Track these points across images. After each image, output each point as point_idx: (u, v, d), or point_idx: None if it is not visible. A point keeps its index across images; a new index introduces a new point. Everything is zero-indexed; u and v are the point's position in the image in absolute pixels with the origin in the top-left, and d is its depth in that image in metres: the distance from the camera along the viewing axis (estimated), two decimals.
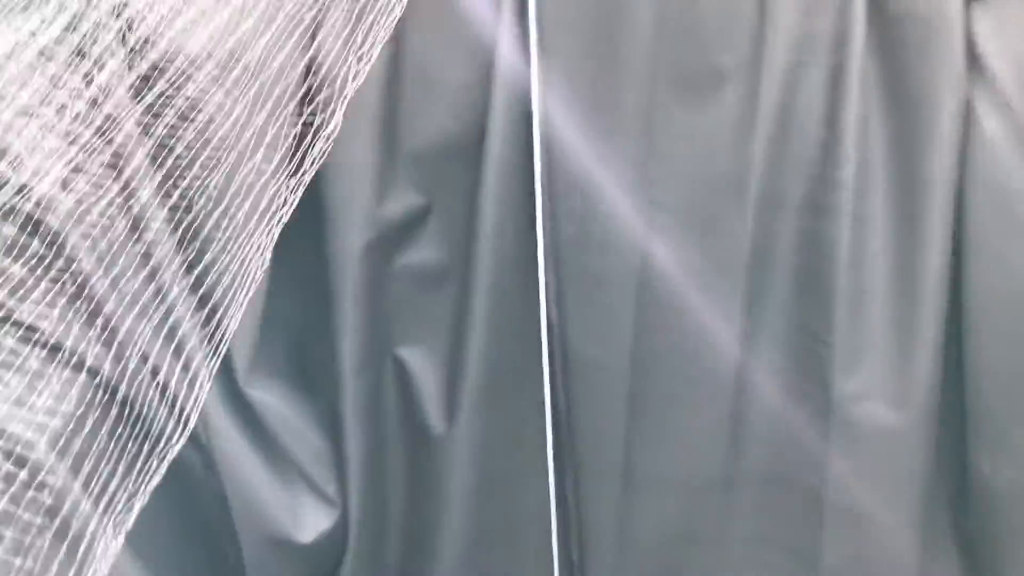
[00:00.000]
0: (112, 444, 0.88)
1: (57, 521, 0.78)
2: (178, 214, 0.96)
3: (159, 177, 0.95)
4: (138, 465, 0.88)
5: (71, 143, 0.99)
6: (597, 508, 1.72)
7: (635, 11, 1.50)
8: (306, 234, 1.50)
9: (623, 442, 1.69)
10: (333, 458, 1.67)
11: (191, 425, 1.01)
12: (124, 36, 0.97)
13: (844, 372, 1.58)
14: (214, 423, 1.50)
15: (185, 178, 0.94)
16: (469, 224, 1.59)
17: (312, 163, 1.02)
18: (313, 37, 1.13)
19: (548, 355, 1.62)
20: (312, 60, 1.07)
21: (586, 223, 1.59)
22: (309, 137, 1.02)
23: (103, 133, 0.97)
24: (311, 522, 1.64)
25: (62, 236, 0.88)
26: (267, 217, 1.01)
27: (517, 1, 1.49)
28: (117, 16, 0.96)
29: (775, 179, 1.54)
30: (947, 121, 1.46)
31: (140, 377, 0.94)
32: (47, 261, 0.90)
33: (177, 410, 0.98)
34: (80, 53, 0.94)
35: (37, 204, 0.85)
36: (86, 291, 0.86)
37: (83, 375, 0.86)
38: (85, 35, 1.02)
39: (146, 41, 0.98)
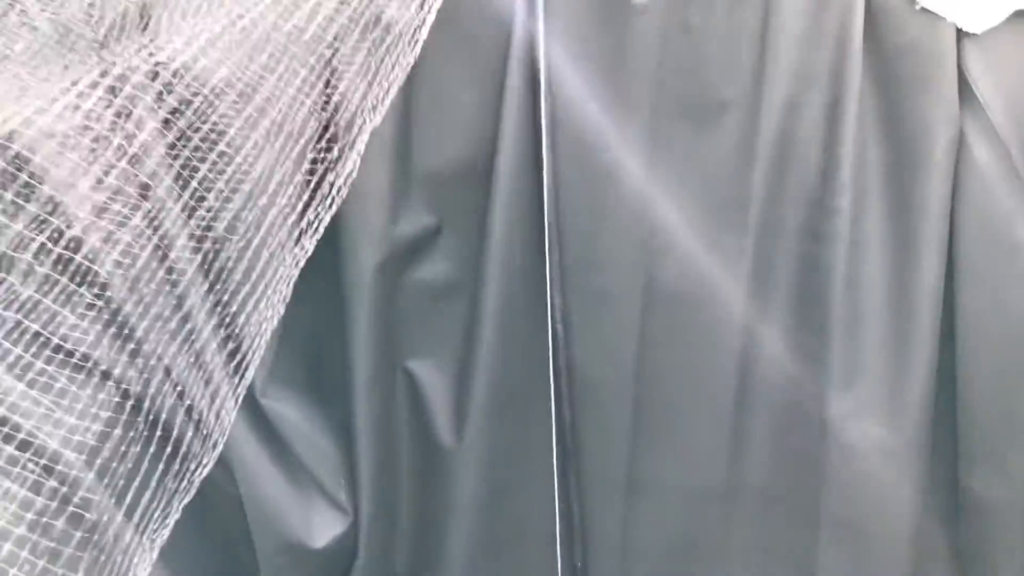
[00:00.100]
0: (145, 464, 0.93)
1: (96, 535, 0.83)
2: (204, 248, 1.01)
3: (187, 214, 0.99)
4: (170, 484, 0.93)
5: (104, 175, 1.05)
6: (601, 517, 1.75)
7: (640, 44, 1.53)
8: (322, 252, 1.53)
9: (627, 454, 1.72)
10: (345, 467, 1.70)
11: (219, 448, 1.05)
12: (154, 77, 1.02)
13: (840, 391, 1.61)
14: (231, 432, 1.53)
15: (211, 212, 0.98)
16: (479, 243, 1.63)
17: (331, 202, 1.06)
18: (330, 79, 1.17)
19: (554, 370, 1.65)
20: (329, 102, 1.11)
21: (592, 244, 1.63)
22: (329, 176, 1.07)
23: (133, 167, 1.03)
24: (323, 528, 1.68)
25: (98, 271, 0.93)
26: (289, 251, 1.05)
27: (526, 31, 1.52)
28: (147, 55, 1.01)
29: (774, 205, 1.58)
30: (940, 150, 1.50)
31: (170, 402, 0.99)
32: (83, 289, 0.96)
33: (205, 433, 1.02)
34: (113, 92, 0.99)
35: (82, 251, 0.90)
36: (121, 320, 0.91)
37: (118, 398, 0.91)
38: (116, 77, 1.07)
39: (173, 80, 1.02)
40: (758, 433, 1.69)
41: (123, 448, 0.89)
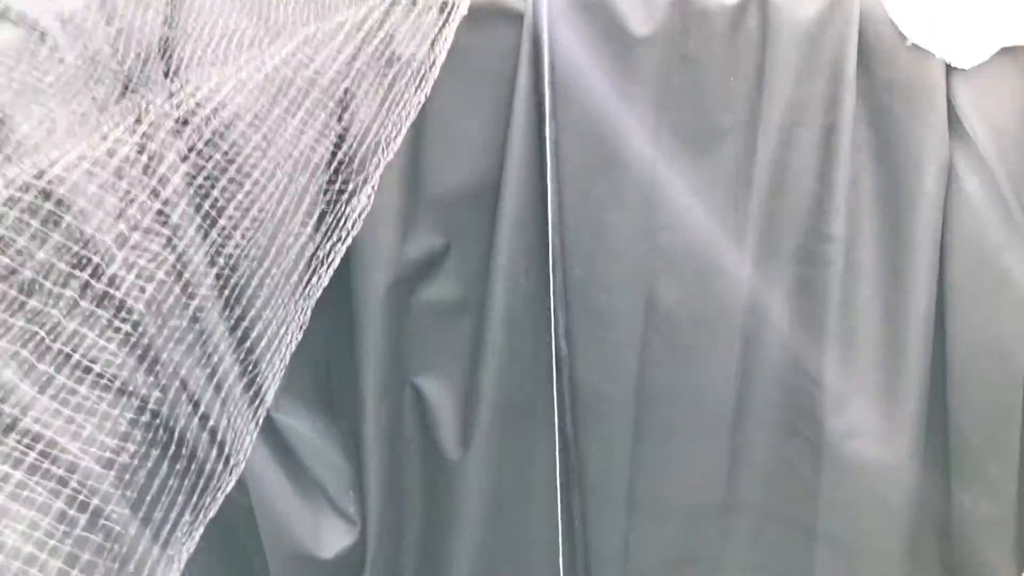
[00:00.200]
0: (167, 483, 0.98)
1: (122, 549, 0.88)
2: (224, 276, 1.05)
3: (214, 250, 1.04)
4: (191, 501, 0.97)
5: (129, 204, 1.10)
6: (602, 531, 1.78)
7: (641, 74, 1.56)
8: (334, 272, 1.57)
9: (627, 469, 1.75)
10: (354, 480, 1.74)
11: (240, 467, 1.09)
12: (183, 123, 1.06)
13: (835, 410, 1.63)
14: None
15: (236, 247, 1.03)
16: (485, 264, 1.66)
17: (346, 234, 1.10)
18: (345, 109, 1.21)
19: (557, 387, 1.67)
20: (345, 138, 1.15)
21: (594, 265, 1.66)
22: (345, 208, 1.11)
23: (157, 198, 1.08)
24: (332, 539, 1.71)
25: (124, 297, 0.98)
26: (306, 279, 1.10)
27: (532, 61, 1.56)
28: (176, 104, 1.06)
29: (771, 229, 1.61)
30: (931, 179, 1.52)
31: (192, 422, 1.03)
32: (110, 315, 1.01)
33: (226, 453, 1.06)
34: (145, 139, 1.04)
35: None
36: (145, 343, 0.95)
37: (142, 417, 0.95)
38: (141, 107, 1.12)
39: (203, 128, 1.07)
40: (755, 451, 1.71)
41: (146, 465, 0.93)
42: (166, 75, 1.35)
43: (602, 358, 1.69)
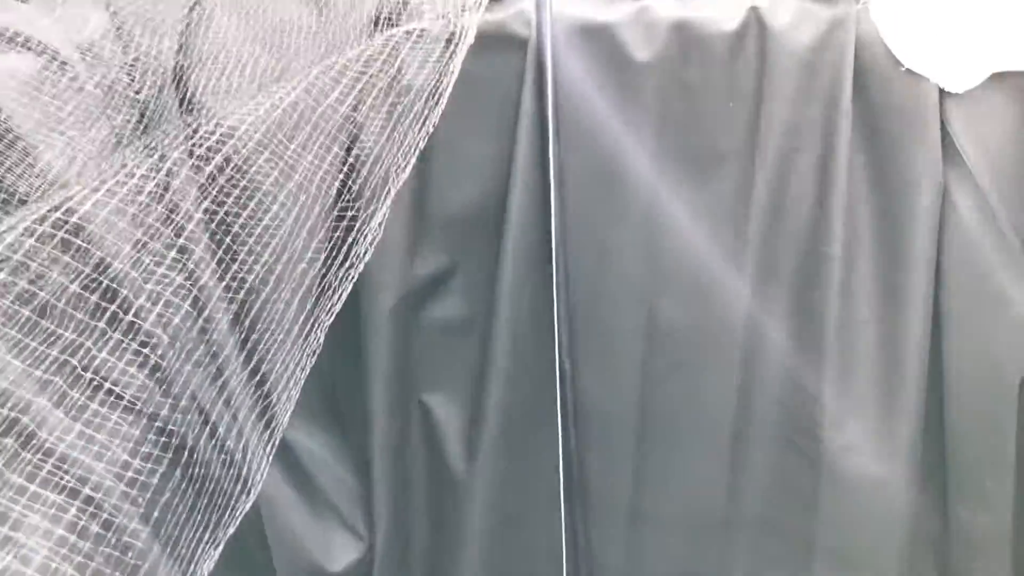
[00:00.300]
0: (184, 502, 1.01)
1: (143, 565, 0.91)
2: (238, 302, 1.08)
3: (222, 269, 1.07)
4: (210, 523, 1.00)
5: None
6: (605, 544, 1.79)
7: (642, 99, 1.60)
8: None
9: (630, 484, 1.76)
10: (362, 495, 1.76)
11: (256, 489, 1.12)
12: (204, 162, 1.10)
13: (833, 426, 1.65)
14: None
15: (244, 268, 1.06)
16: (490, 283, 1.68)
17: (358, 258, 1.13)
18: (356, 139, 1.25)
19: (561, 403, 1.68)
20: (356, 165, 1.18)
21: (597, 284, 1.68)
22: (357, 233, 1.14)
23: (174, 226, 1.11)
24: (341, 553, 1.74)
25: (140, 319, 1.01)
26: (319, 305, 1.13)
27: (536, 86, 1.59)
28: (196, 143, 1.09)
29: (770, 250, 1.63)
30: (926, 201, 1.55)
31: (208, 446, 1.06)
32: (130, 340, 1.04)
33: (242, 477, 1.09)
34: (167, 177, 1.07)
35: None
36: (163, 368, 0.99)
37: (163, 440, 0.99)
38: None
39: (223, 165, 1.11)
40: (755, 466, 1.73)
41: (166, 488, 0.96)
42: (180, 103, 1.39)
43: (605, 375, 1.71)
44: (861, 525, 1.68)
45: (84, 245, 0.98)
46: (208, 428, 1.09)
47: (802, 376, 1.66)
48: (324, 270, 1.17)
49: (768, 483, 1.73)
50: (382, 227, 1.23)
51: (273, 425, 1.15)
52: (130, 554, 0.92)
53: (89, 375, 0.96)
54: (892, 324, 1.61)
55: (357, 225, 1.18)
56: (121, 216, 1.03)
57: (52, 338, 0.95)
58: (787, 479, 1.71)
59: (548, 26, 1.57)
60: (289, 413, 1.18)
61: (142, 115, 1.36)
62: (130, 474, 0.94)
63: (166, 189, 1.16)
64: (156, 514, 0.98)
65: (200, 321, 1.08)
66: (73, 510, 0.92)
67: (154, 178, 1.07)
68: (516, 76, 1.60)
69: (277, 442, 1.20)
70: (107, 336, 0.97)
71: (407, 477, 1.79)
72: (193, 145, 1.10)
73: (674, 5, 1.59)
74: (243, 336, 1.14)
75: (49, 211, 0.96)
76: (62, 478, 0.92)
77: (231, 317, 1.14)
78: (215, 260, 1.08)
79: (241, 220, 1.05)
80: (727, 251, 1.63)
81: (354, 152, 1.23)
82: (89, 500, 0.92)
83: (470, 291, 1.71)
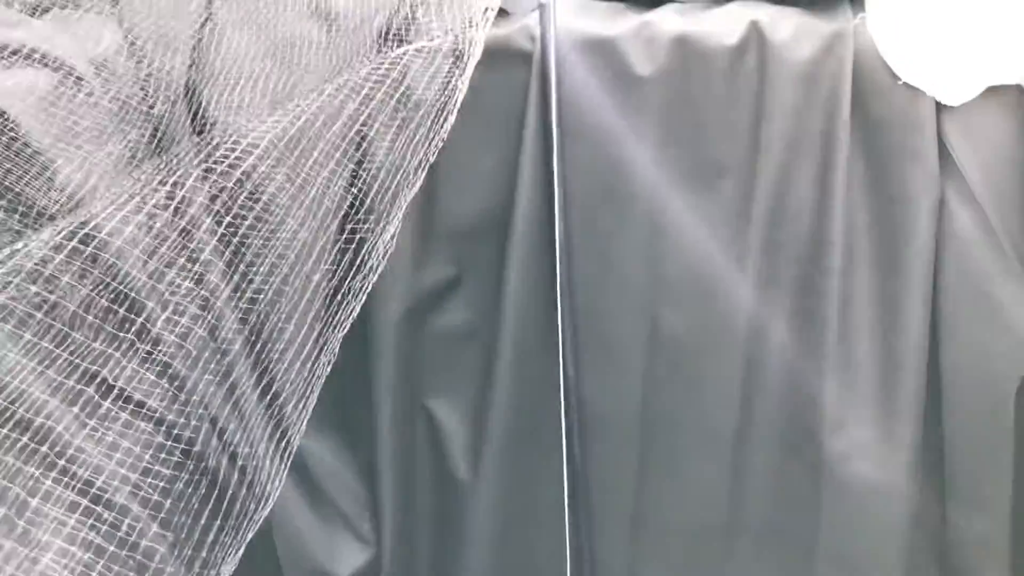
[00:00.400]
0: (201, 513, 1.03)
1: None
2: (251, 316, 1.10)
3: (235, 282, 1.09)
4: (223, 534, 1.02)
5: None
6: (609, 550, 1.80)
7: (645, 112, 1.62)
8: None
9: (633, 490, 1.78)
10: (368, 501, 1.79)
11: (271, 501, 1.14)
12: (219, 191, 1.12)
13: (834, 433, 1.67)
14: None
15: (258, 280, 1.08)
16: (495, 293, 1.71)
17: (370, 270, 1.16)
18: (367, 154, 1.27)
19: (565, 409, 1.70)
20: (366, 179, 1.21)
21: (600, 293, 1.70)
22: (368, 245, 1.16)
23: (188, 240, 1.14)
24: (348, 558, 1.76)
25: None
26: (331, 319, 1.15)
27: (541, 100, 1.62)
28: (211, 166, 1.12)
29: (770, 260, 1.65)
30: (923, 213, 1.57)
31: (223, 458, 1.09)
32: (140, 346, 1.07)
33: (255, 489, 1.11)
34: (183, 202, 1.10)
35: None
36: (177, 381, 1.01)
37: (177, 454, 1.01)
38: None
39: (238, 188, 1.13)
40: (757, 472, 1.74)
41: (181, 499, 0.98)
42: (193, 118, 1.42)
43: (608, 383, 1.73)
44: (862, 530, 1.69)
45: (111, 259, 1.00)
46: (224, 440, 1.11)
47: (803, 383, 1.68)
48: (339, 283, 1.19)
49: (770, 489, 1.74)
50: (394, 240, 1.25)
51: (289, 435, 1.18)
52: (150, 565, 0.95)
53: (110, 385, 0.98)
54: (891, 332, 1.63)
55: (371, 238, 1.20)
56: (146, 232, 1.06)
57: (77, 350, 0.98)
58: (789, 485, 1.73)
59: (552, 41, 1.59)
60: (304, 423, 1.21)
61: (156, 130, 1.39)
62: (149, 482, 0.96)
63: (188, 204, 1.19)
64: (175, 525, 1.00)
65: (218, 334, 1.11)
66: (91, 520, 0.94)
67: (177, 194, 1.10)
68: (521, 89, 1.63)
69: (293, 452, 1.22)
70: (134, 349, 1.00)
71: (413, 483, 1.81)
72: (214, 162, 1.12)
73: (676, 20, 1.61)
74: (259, 348, 1.17)
75: (78, 227, 0.99)
76: (83, 488, 0.95)
77: (248, 330, 1.16)
78: (234, 274, 1.11)
79: (261, 234, 1.07)
80: (729, 260, 1.65)
81: (365, 167, 1.26)
82: (107, 509, 0.94)
83: (475, 300, 1.73)
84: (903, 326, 1.61)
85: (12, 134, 1.22)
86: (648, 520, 1.79)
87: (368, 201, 1.24)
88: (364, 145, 1.26)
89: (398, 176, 1.20)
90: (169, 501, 1.00)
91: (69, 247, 0.99)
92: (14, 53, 1.35)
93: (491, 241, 1.69)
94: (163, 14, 1.52)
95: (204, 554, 1.02)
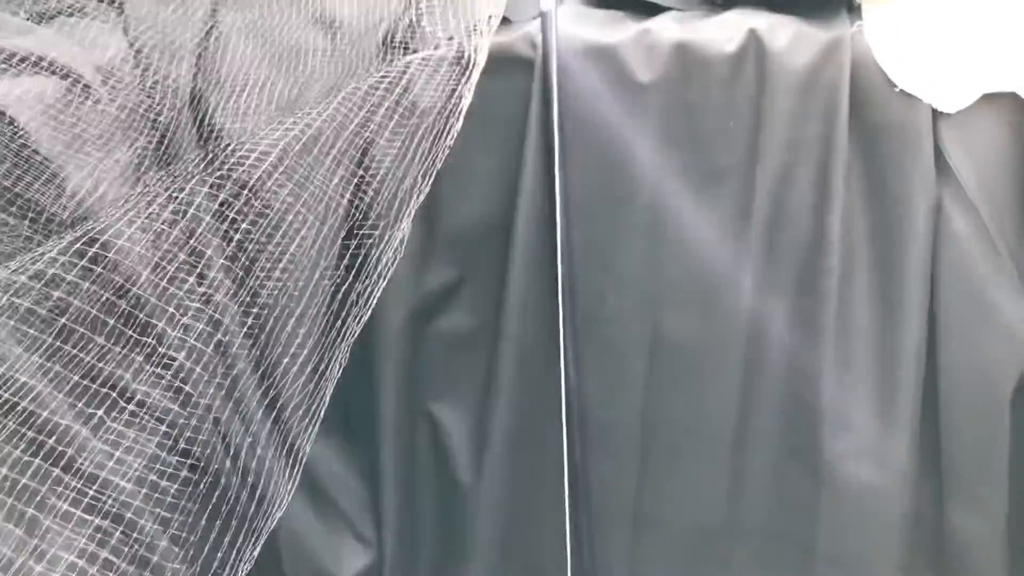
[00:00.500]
0: (212, 524, 1.04)
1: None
2: (257, 324, 1.11)
3: (243, 290, 1.10)
4: (231, 543, 1.03)
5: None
6: (609, 553, 1.81)
7: (645, 117, 1.64)
8: None
9: (634, 493, 1.79)
10: (371, 503, 1.80)
11: (279, 513, 1.15)
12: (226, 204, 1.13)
13: (833, 435, 1.68)
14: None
15: (265, 288, 1.09)
16: (498, 296, 1.72)
17: (378, 276, 1.17)
18: (372, 160, 1.29)
19: (566, 413, 1.71)
20: (372, 185, 1.22)
21: (601, 298, 1.71)
22: (376, 252, 1.18)
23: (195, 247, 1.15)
24: (350, 560, 1.77)
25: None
26: (339, 326, 1.16)
27: (542, 104, 1.63)
28: (220, 177, 1.13)
29: (770, 263, 1.66)
30: (920, 217, 1.58)
31: (228, 468, 1.10)
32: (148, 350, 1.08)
33: (264, 505, 1.12)
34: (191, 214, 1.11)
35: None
36: (186, 391, 1.02)
37: (184, 466, 1.02)
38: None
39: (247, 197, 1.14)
40: (757, 474, 1.75)
41: (188, 507, 0.99)
42: (199, 126, 1.43)
43: (609, 386, 1.74)
44: (860, 531, 1.71)
45: (122, 270, 1.01)
46: (231, 452, 1.12)
47: (802, 385, 1.69)
48: (349, 290, 1.21)
49: (769, 490, 1.75)
50: (403, 246, 1.27)
51: (298, 448, 1.19)
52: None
53: (118, 397, 0.99)
54: (889, 335, 1.64)
55: (380, 245, 1.22)
56: (162, 241, 1.08)
57: (91, 359, 0.99)
58: (788, 486, 1.74)
59: (553, 48, 1.61)
60: (314, 435, 1.22)
61: (163, 137, 1.40)
62: (157, 498, 0.98)
63: (180, 202, 1.20)
64: (185, 536, 1.01)
65: (229, 342, 1.12)
66: (102, 529, 0.95)
67: (191, 204, 1.11)
68: (523, 96, 1.64)
69: (303, 462, 1.23)
70: (149, 359, 1.01)
71: (415, 485, 1.82)
72: (224, 173, 1.14)
73: (675, 27, 1.63)
74: (270, 360, 1.18)
75: (94, 236, 1.00)
76: (95, 500, 0.96)
77: (260, 341, 1.17)
78: (249, 281, 1.12)
79: (274, 242, 1.08)
80: (729, 264, 1.66)
81: (372, 174, 1.27)
82: (118, 520, 0.95)
83: (477, 304, 1.75)
84: (901, 328, 1.63)
85: (22, 141, 1.23)
86: (648, 522, 1.80)
87: (377, 209, 1.25)
88: (371, 154, 1.28)
89: (406, 184, 1.21)
90: (179, 516, 1.01)
91: (85, 257, 1.00)
92: (22, 61, 1.36)
93: (493, 245, 1.71)
94: (168, 23, 1.53)
95: (216, 562, 1.03)
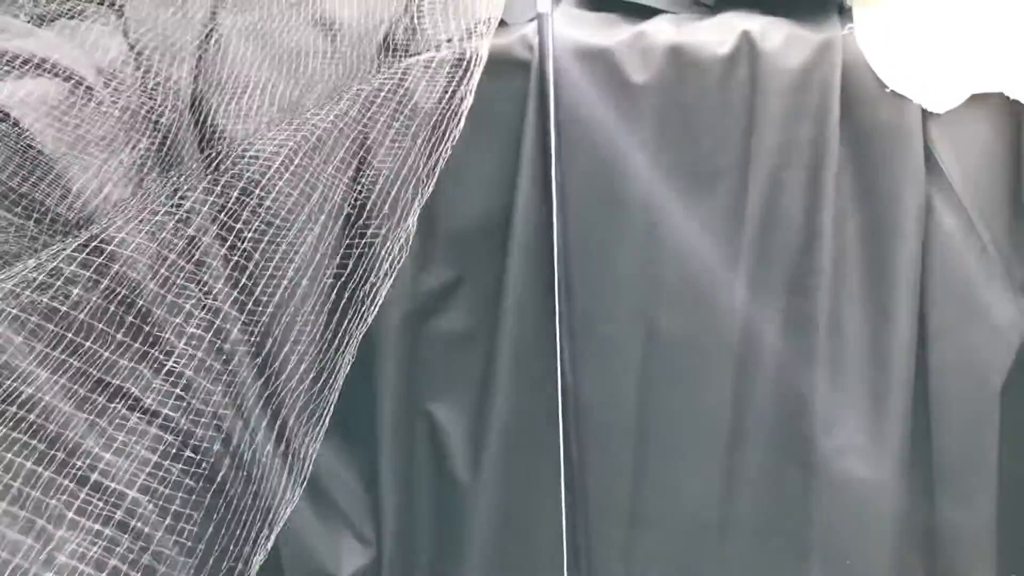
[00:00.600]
0: (220, 524, 1.05)
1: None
2: (258, 327, 1.12)
3: (255, 296, 1.11)
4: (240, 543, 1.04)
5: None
6: (606, 550, 1.83)
7: (640, 118, 1.65)
8: None
9: (629, 490, 1.80)
10: (369, 502, 1.81)
11: (283, 520, 1.15)
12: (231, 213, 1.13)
13: (825, 431, 1.70)
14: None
15: (269, 290, 1.10)
16: (495, 296, 1.73)
17: (385, 274, 1.18)
18: (375, 161, 1.30)
19: (563, 411, 1.72)
20: (374, 187, 1.24)
21: (598, 296, 1.73)
22: (381, 251, 1.19)
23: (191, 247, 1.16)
24: (349, 558, 1.78)
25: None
26: (351, 323, 1.17)
27: (539, 105, 1.65)
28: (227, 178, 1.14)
29: (763, 263, 1.68)
30: (910, 216, 1.60)
31: (232, 474, 1.11)
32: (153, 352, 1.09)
33: (268, 516, 1.13)
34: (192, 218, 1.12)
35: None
36: (191, 394, 1.03)
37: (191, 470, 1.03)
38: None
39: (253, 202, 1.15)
40: (750, 471, 1.77)
41: (191, 513, 1.00)
42: (199, 126, 1.45)
43: (605, 384, 1.76)
44: (853, 527, 1.73)
45: (128, 274, 1.02)
46: (237, 453, 1.13)
47: (794, 383, 1.71)
48: (353, 291, 1.22)
49: (762, 487, 1.77)
50: (408, 246, 1.28)
51: (303, 451, 1.20)
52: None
53: (131, 403, 1.00)
54: (880, 333, 1.66)
55: (384, 246, 1.23)
56: (169, 244, 1.09)
57: (96, 359, 1.00)
58: (781, 483, 1.76)
59: (550, 50, 1.63)
60: (320, 439, 1.22)
61: (165, 139, 1.41)
62: (162, 505, 0.98)
63: (183, 203, 1.22)
64: (192, 545, 1.02)
65: (235, 347, 1.13)
66: (108, 533, 0.96)
67: (199, 208, 1.12)
68: (519, 97, 1.66)
69: (308, 472, 1.24)
70: (153, 368, 1.02)
71: (413, 484, 1.83)
72: (229, 179, 1.15)
73: (670, 30, 1.65)
74: (276, 363, 1.19)
75: (95, 247, 1.01)
76: (99, 502, 0.96)
77: (265, 345, 1.18)
78: (253, 284, 1.13)
79: (279, 249, 1.09)
80: (722, 263, 1.68)
81: (375, 176, 1.29)
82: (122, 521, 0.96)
83: (475, 303, 1.76)
84: (891, 326, 1.65)
85: (27, 143, 1.24)
86: (643, 519, 1.82)
87: (381, 211, 1.27)
88: (375, 156, 1.29)
89: (409, 185, 1.23)
90: (186, 512, 1.01)
91: (94, 265, 1.01)
92: (25, 63, 1.37)
93: (490, 245, 1.72)
94: (168, 25, 1.54)
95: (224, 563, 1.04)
